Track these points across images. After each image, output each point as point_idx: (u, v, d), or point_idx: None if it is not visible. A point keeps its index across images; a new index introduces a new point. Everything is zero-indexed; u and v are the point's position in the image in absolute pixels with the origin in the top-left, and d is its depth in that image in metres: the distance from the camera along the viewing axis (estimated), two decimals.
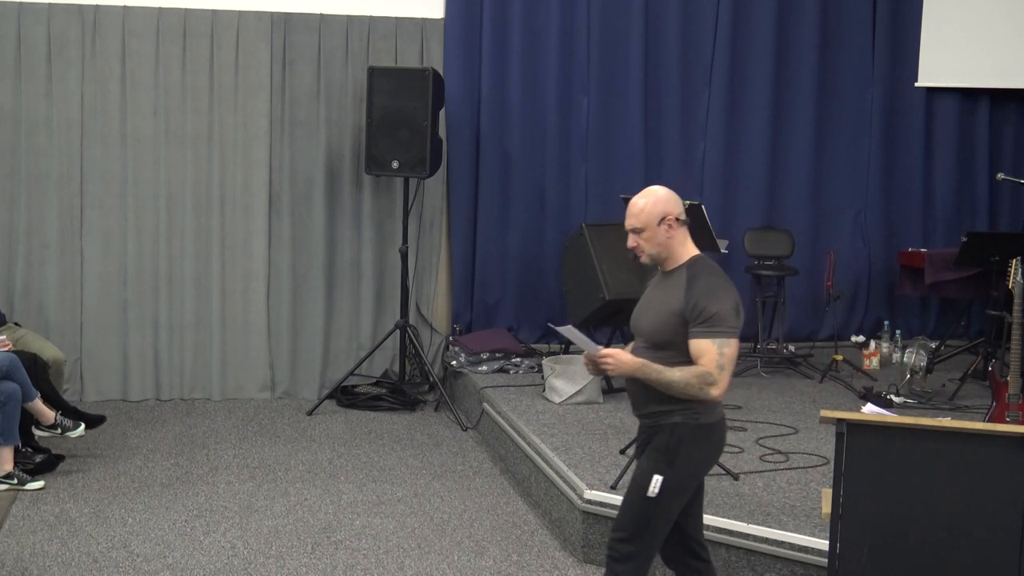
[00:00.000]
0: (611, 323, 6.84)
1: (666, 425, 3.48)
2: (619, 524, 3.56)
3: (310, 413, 6.98)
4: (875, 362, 7.37)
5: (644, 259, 3.59)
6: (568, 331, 3.65)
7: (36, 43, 6.97)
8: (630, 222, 3.55)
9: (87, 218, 7.11)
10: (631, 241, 3.57)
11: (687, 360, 3.43)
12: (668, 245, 3.54)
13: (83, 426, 5.83)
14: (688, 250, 3.57)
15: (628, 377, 3.55)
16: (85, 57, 7.03)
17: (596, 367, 3.55)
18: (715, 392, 3.40)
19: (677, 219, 3.52)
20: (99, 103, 7.06)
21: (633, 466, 4.91)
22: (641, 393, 3.54)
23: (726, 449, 5.32)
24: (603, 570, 4.64)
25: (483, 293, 7.71)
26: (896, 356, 7.44)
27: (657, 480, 3.44)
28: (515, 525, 5.18)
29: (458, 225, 7.67)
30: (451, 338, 7.56)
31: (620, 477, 4.84)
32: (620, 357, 3.47)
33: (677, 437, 3.45)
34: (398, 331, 7.24)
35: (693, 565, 3.66)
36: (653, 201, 3.52)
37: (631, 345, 3.73)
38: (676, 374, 3.40)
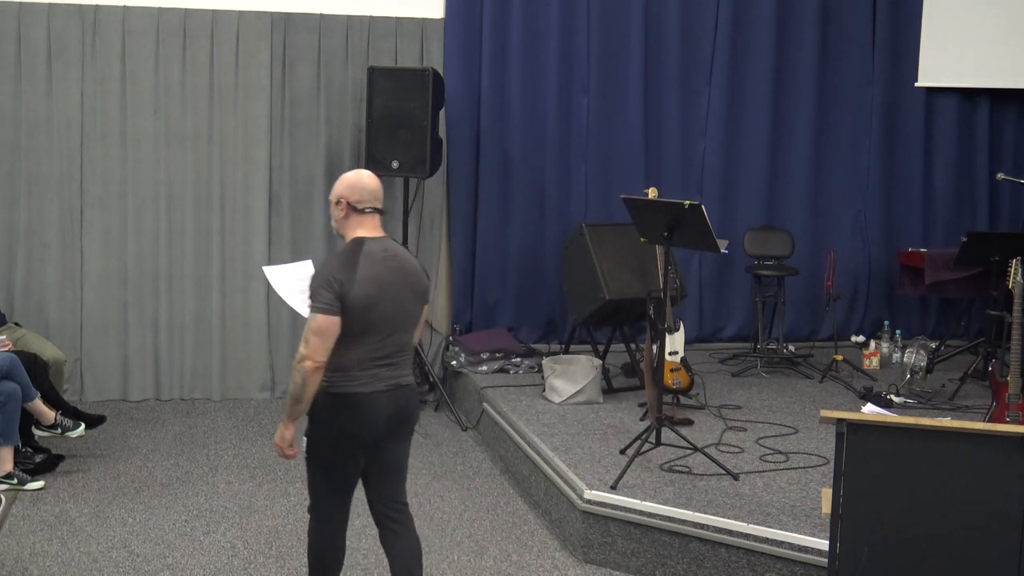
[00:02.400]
0: (611, 323, 6.84)
1: (317, 392, 3.72)
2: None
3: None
4: (875, 362, 7.37)
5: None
6: (278, 272, 3.90)
7: (36, 43, 6.97)
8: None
9: (87, 218, 7.11)
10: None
11: None
12: (341, 223, 3.82)
13: (83, 426, 5.83)
14: (353, 234, 3.79)
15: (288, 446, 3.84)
16: (85, 57, 7.03)
17: None
18: (308, 364, 3.58)
19: (350, 205, 3.79)
20: (99, 103, 7.06)
21: (634, 465, 4.95)
22: None
23: (726, 449, 5.39)
24: (603, 570, 4.68)
25: (483, 293, 7.71)
26: (896, 356, 7.44)
27: (304, 440, 3.76)
28: (515, 525, 5.18)
29: (458, 225, 7.66)
30: (451, 338, 7.56)
31: (620, 477, 4.85)
32: (278, 441, 3.77)
33: (316, 403, 3.69)
34: None
35: (389, 527, 3.91)
36: (338, 182, 3.86)
37: None
38: (289, 386, 3.72)
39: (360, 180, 3.85)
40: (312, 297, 3.62)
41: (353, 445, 3.73)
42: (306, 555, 3.94)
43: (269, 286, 7.27)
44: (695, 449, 5.09)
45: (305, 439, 3.76)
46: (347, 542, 4.88)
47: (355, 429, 3.71)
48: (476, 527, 5.13)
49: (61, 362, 6.38)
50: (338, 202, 3.81)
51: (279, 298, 7.21)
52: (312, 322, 3.60)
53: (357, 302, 3.62)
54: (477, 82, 7.59)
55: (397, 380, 3.77)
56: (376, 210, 3.82)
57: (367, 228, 3.81)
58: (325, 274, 3.65)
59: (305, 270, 3.99)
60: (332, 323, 3.59)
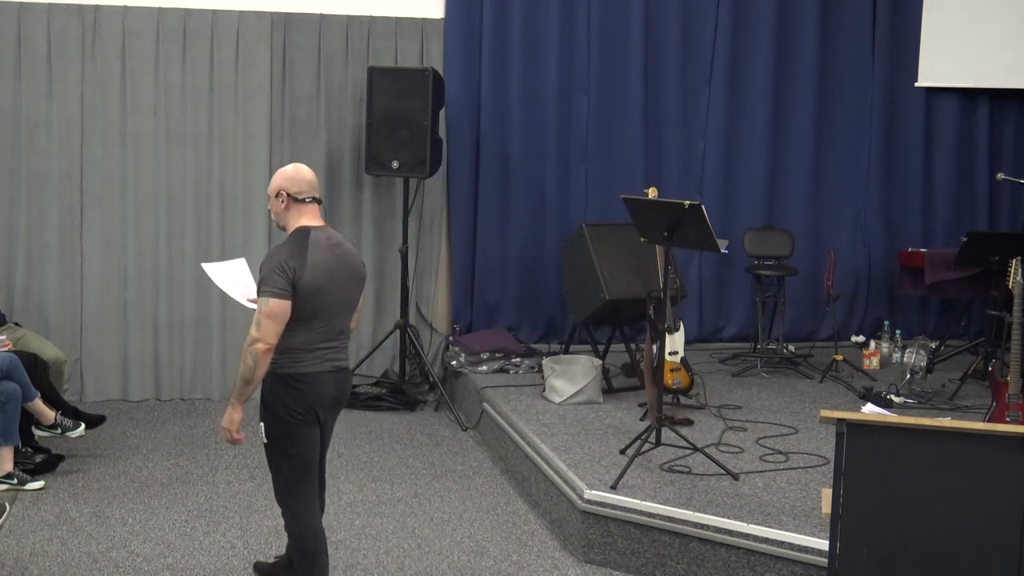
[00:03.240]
0: (611, 323, 6.84)
1: (265, 376, 3.91)
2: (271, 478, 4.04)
3: None
4: (875, 362, 7.37)
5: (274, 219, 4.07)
6: (217, 269, 4.14)
7: (36, 43, 6.97)
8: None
9: (87, 218, 7.11)
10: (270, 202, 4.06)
11: None
12: (282, 215, 4.01)
13: (83, 426, 5.83)
14: (296, 223, 3.99)
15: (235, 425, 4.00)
16: (85, 57, 7.03)
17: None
18: (260, 347, 3.78)
19: (290, 196, 3.97)
20: (99, 103, 7.06)
21: (634, 465, 4.96)
22: None
23: (726, 449, 5.39)
24: (603, 570, 4.68)
25: (483, 293, 7.71)
26: (896, 356, 7.44)
27: (261, 427, 3.94)
28: (515, 525, 5.18)
29: (458, 225, 7.66)
30: (451, 338, 7.56)
31: (620, 477, 4.84)
32: (226, 424, 3.96)
33: (266, 387, 3.92)
34: (398, 331, 7.24)
35: None
36: (276, 176, 4.02)
37: None
38: (239, 369, 3.87)
39: (298, 172, 4.01)
40: (265, 282, 3.79)
41: (308, 420, 3.91)
42: (294, 557, 4.02)
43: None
44: (695, 449, 5.09)
45: (262, 425, 3.93)
46: (347, 542, 4.90)
47: (306, 406, 3.89)
48: (476, 527, 5.13)
49: (61, 362, 6.38)
50: (278, 194, 3.98)
51: None
52: (265, 306, 3.77)
53: (308, 287, 3.81)
54: (477, 82, 7.59)
55: (338, 363, 3.98)
56: (315, 199, 4.01)
57: (309, 217, 3.99)
58: (277, 260, 3.82)
59: (241, 266, 4.24)
60: (284, 307, 3.78)
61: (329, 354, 3.93)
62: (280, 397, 3.88)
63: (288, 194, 3.96)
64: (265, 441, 3.94)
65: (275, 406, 3.90)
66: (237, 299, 4.13)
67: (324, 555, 4.04)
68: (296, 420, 3.89)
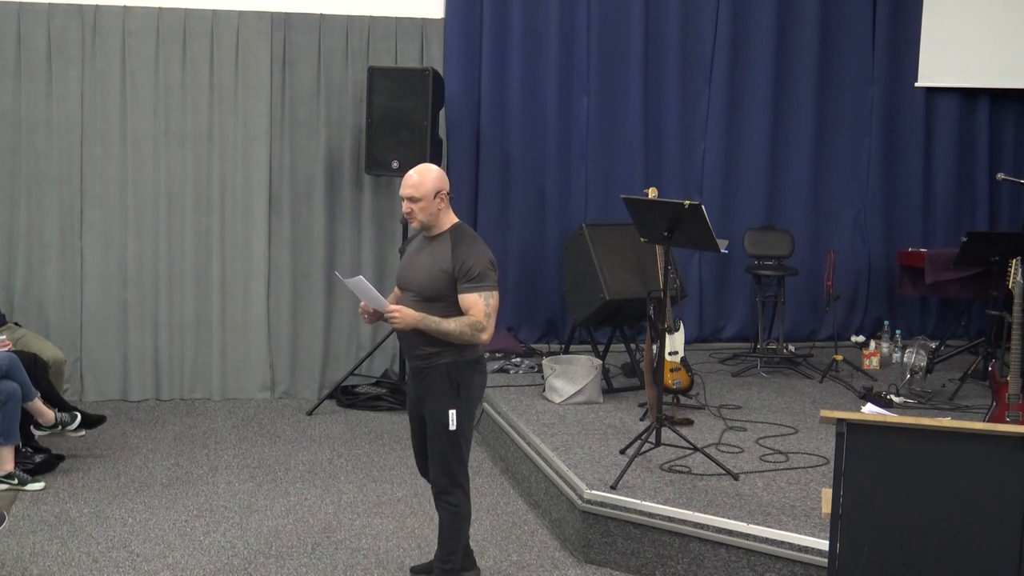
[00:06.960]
0: (611, 323, 6.84)
1: (439, 365, 4.08)
2: (438, 464, 4.15)
3: (310, 413, 6.98)
4: (875, 362, 7.37)
5: (415, 224, 4.13)
6: (357, 283, 4.07)
7: (36, 43, 6.97)
8: (407, 191, 4.07)
9: (87, 218, 7.11)
10: (406, 207, 4.08)
11: (455, 311, 4.01)
12: (437, 215, 4.09)
13: (80, 417, 5.85)
14: (450, 219, 4.14)
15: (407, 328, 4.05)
16: (85, 57, 7.03)
17: (373, 319, 4.13)
18: (484, 336, 4.02)
19: (448, 194, 4.12)
20: (99, 103, 7.06)
21: (634, 465, 4.96)
22: (413, 337, 4.09)
23: (726, 449, 5.40)
24: (603, 570, 4.68)
25: None
26: (896, 356, 7.44)
27: (452, 414, 4.08)
28: (515, 525, 5.18)
29: None
30: None
31: (620, 477, 4.84)
32: (405, 312, 4.00)
33: (456, 375, 4.08)
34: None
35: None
36: (433, 177, 4.07)
37: (396, 295, 4.28)
38: (452, 324, 3.98)
39: (441, 170, 4.13)
40: (483, 277, 3.99)
41: (481, 399, 4.35)
42: (448, 536, 4.23)
43: (269, 286, 7.33)
44: (695, 449, 5.09)
45: (453, 413, 4.06)
46: (347, 542, 4.90)
47: (484, 385, 4.22)
48: (476, 527, 5.12)
49: (61, 362, 6.38)
50: (437, 194, 4.06)
51: (278, 298, 7.33)
52: (492, 299, 4.02)
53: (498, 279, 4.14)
54: (477, 82, 7.59)
55: None
56: None
57: (452, 212, 4.17)
58: (487, 258, 4.03)
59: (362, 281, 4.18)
60: (499, 299, 4.08)
61: None
62: (472, 381, 4.13)
63: (447, 193, 4.11)
64: (453, 428, 4.07)
65: (471, 389, 4.13)
66: (380, 304, 4.08)
67: None
68: (479, 400, 4.24)
